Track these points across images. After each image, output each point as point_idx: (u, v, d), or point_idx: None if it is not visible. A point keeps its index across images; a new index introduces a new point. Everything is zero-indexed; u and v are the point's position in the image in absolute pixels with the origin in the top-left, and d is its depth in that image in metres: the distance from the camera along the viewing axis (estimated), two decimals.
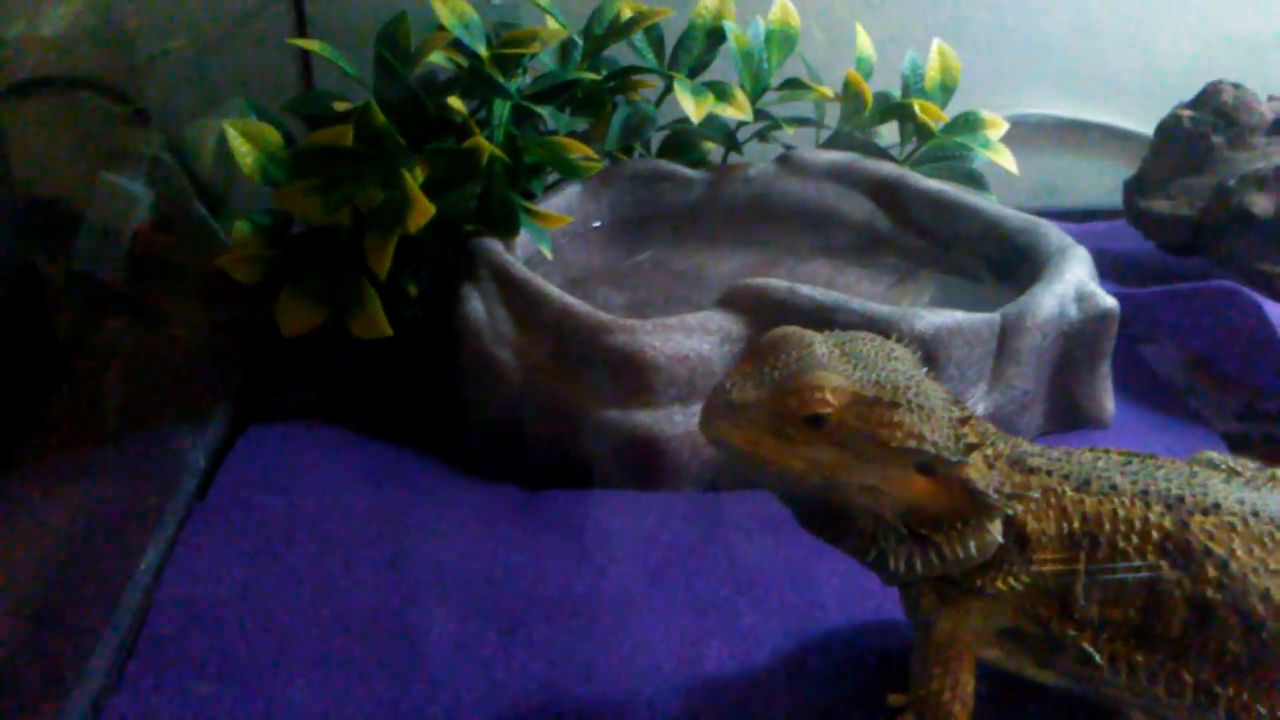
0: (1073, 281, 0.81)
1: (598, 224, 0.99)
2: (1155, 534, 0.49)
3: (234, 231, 0.84)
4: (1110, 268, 0.92)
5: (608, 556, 0.69)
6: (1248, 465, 0.56)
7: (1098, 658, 0.50)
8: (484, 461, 0.79)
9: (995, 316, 0.78)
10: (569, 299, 0.77)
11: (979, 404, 0.78)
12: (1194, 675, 0.49)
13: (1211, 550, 0.49)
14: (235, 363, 0.90)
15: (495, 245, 0.84)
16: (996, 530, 0.50)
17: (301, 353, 0.88)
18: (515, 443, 0.79)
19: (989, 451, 0.51)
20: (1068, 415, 0.83)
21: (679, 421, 0.74)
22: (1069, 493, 0.50)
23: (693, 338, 0.75)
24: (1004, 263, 0.90)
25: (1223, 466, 0.54)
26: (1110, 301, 0.81)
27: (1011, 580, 0.50)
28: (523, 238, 0.88)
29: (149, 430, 0.81)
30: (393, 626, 0.64)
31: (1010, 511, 0.50)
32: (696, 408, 0.75)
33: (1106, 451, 0.54)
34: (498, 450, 0.80)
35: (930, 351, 0.75)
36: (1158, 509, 0.50)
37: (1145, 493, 0.50)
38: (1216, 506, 0.50)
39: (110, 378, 0.87)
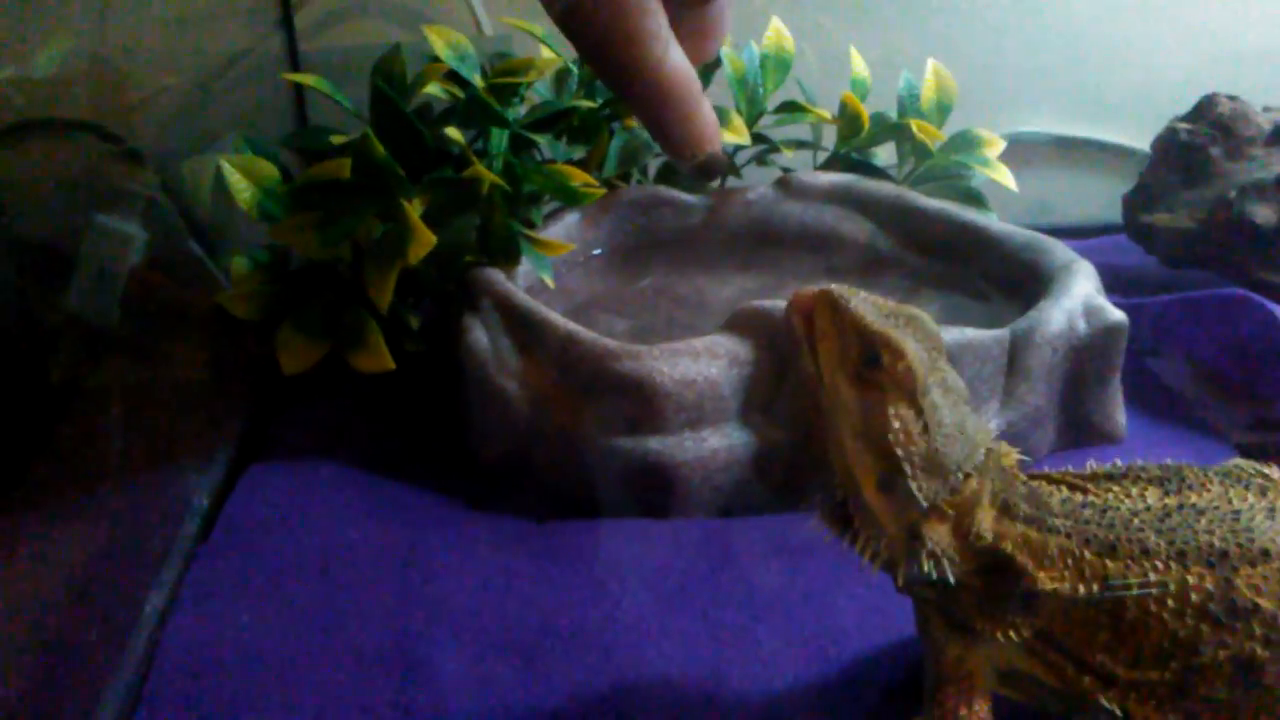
0: (1080, 296, 0.81)
1: (598, 251, 0.98)
2: (1195, 598, 0.46)
3: (232, 268, 0.84)
4: (1114, 282, 0.91)
5: (622, 586, 0.68)
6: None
7: (1120, 715, 0.48)
8: (492, 493, 0.78)
9: (1005, 333, 0.77)
10: (574, 326, 0.77)
11: (991, 421, 0.77)
12: None
13: (1259, 606, 0.46)
14: (236, 401, 0.89)
15: (497, 275, 0.84)
16: (908, 568, 0.48)
17: (303, 389, 0.87)
18: (523, 473, 0.78)
19: (979, 517, 0.49)
20: (1080, 431, 0.82)
21: (689, 447, 0.73)
22: (1089, 558, 0.48)
23: (700, 362, 0.74)
24: (1008, 280, 0.90)
25: (1252, 473, 0.52)
26: (1119, 315, 0.80)
27: (1012, 633, 0.48)
28: (523, 267, 0.87)
29: (150, 472, 0.80)
30: (405, 663, 0.62)
31: (1047, 582, 0.48)
32: (706, 433, 0.74)
33: (1144, 470, 0.52)
34: (506, 482, 0.79)
35: None
36: (1197, 569, 0.47)
37: (1183, 554, 0.47)
38: (1265, 555, 0.47)
39: (109, 420, 0.86)
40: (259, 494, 0.77)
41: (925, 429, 0.47)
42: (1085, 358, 0.80)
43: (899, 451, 0.47)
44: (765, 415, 0.76)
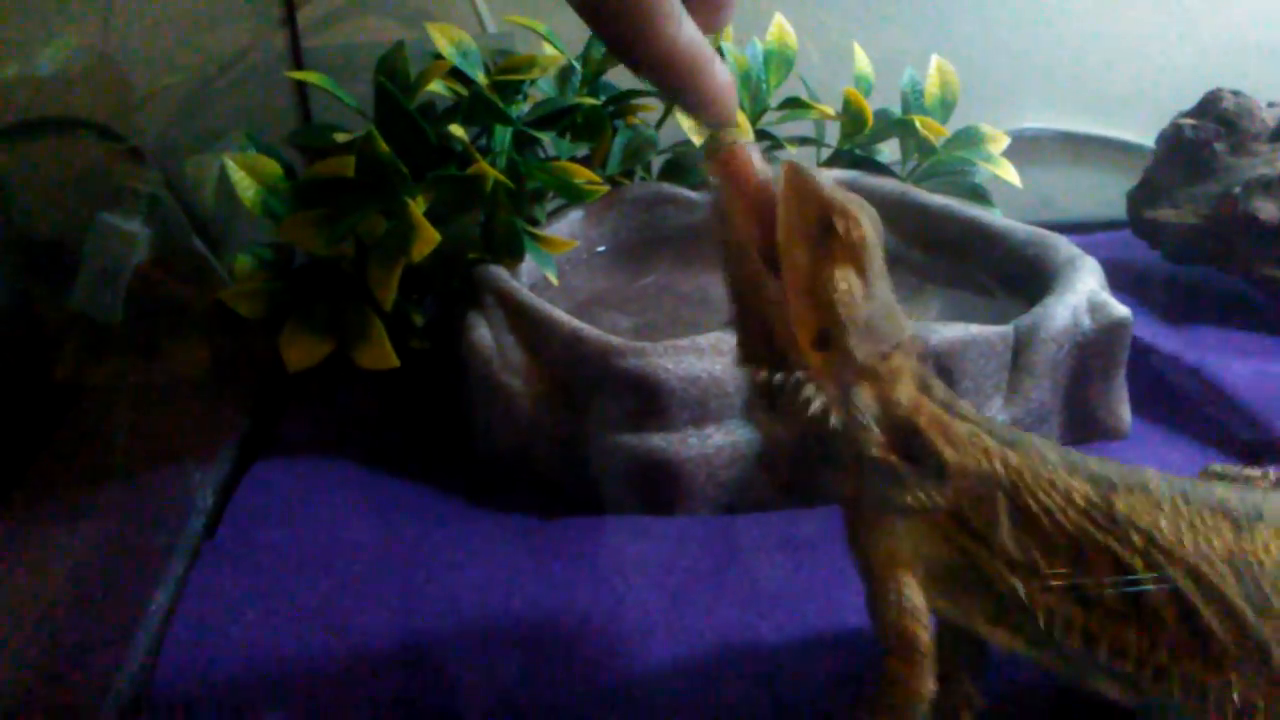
0: (1084, 292, 0.80)
1: (601, 249, 0.98)
2: (1079, 499, 0.50)
3: (236, 266, 0.83)
4: (1118, 277, 0.91)
5: (626, 583, 0.68)
6: (1268, 474, 0.55)
7: (1022, 591, 0.50)
8: (496, 490, 0.78)
9: (1008, 329, 0.77)
10: (577, 323, 0.76)
11: (998, 418, 0.77)
12: (1134, 644, 0.49)
13: (1136, 522, 0.50)
14: (240, 398, 0.89)
15: (500, 272, 0.84)
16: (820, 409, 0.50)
17: (307, 386, 0.87)
18: (527, 470, 0.78)
19: (943, 397, 0.52)
20: (1085, 427, 0.82)
21: (693, 444, 0.73)
22: (993, 443, 0.52)
23: (704, 359, 0.74)
24: (1012, 276, 0.90)
25: (1232, 476, 0.54)
26: (1123, 311, 0.80)
27: (923, 497, 0.51)
28: (527, 264, 0.87)
29: (154, 469, 0.80)
30: (410, 660, 0.62)
31: (949, 453, 0.51)
32: (709, 430, 0.74)
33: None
34: (509, 479, 0.79)
35: (945, 365, 0.74)
36: (1081, 479, 0.51)
37: (1073, 469, 0.51)
38: (1144, 486, 0.51)
39: (113, 417, 0.86)
40: (263, 491, 0.77)
41: (867, 295, 0.50)
42: (1090, 354, 0.80)
43: (841, 311, 0.50)
44: (769, 411, 0.75)
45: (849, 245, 0.50)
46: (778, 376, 0.51)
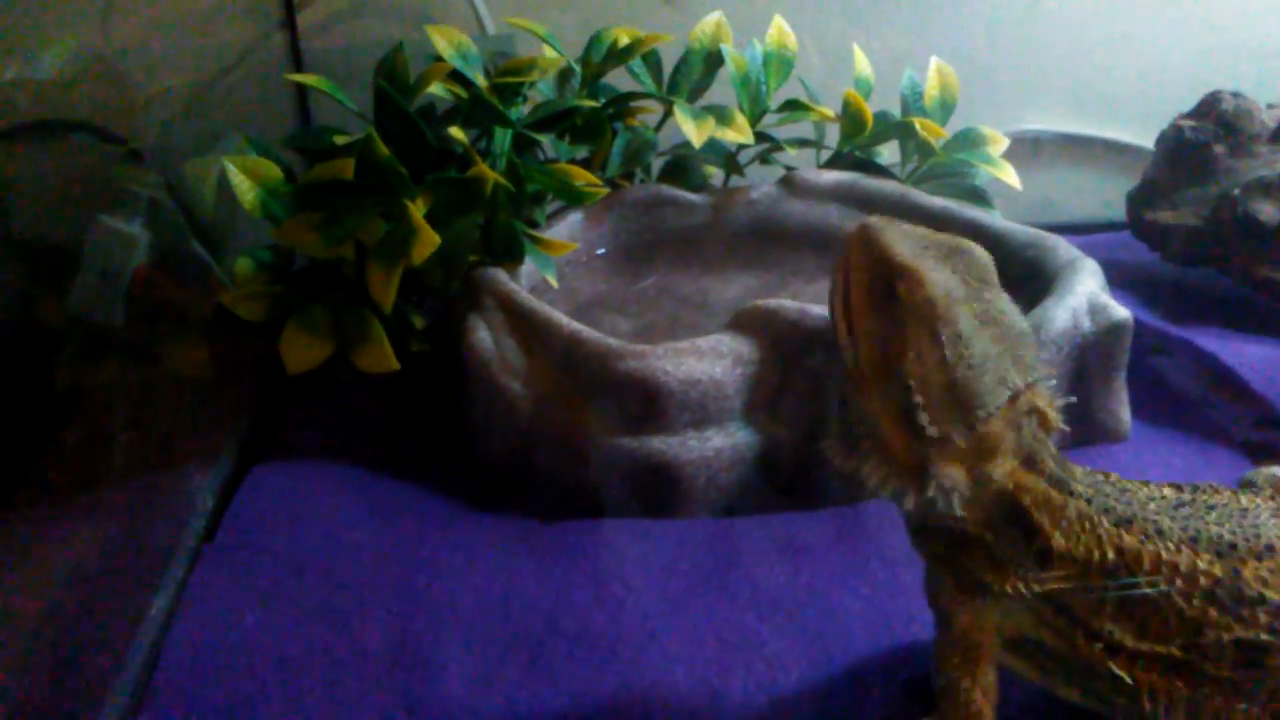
0: (1084, 294, 0.80)
1: (601, 251, 0.98)
2: (1203, 581, 0.47)
3: (236, 269, 0.83)
4: (1118, 279, 0.91)
5: (626, 586, 0.68)
6: None
7: (1129, 680, 0.48)
8: (496, 493, 0.78)
9: None
10: (578, 326, 0.76)
11: None
12: (1245, 715, 0.48)
13: (1265, 597, 0.47)
14: (240, 401, 0.89)
15: (500, 275, 0.84)
16: (910, 501, 0.48)
17: (308, 389, 0.87)
18: (527, 473, 0.78)
19: (1056, 474, 0.49)
20: (1085, 429, 0.82)
21: (693, 447, 0.73)
22: (1107, 526, 0.48)
23: (705, 361, 0.74)
24: (1012, 278, 0.89)
25: (1268, 479, 0.53)
26: (1123, 313, 0.80)
27: (1020, 586, 0.48)
28: (527, 266, 0.87)
29: (155, 472, 0.80)
30: (410, 663, 0.62)
31: (1059, 538, 0.48)
32: (710, 433, 0.74)
33: (1162, 489, 0.52)
34: (509, 482, 0.79)
35: None
36: (1206, 556, 0.48)
37: (1194, 539, 0.48)
38: (1270, 550, 0.48)
39: (114, 420, 0.86)
40: (264, 494, 0.77)
41: (944, 361, 0.46)
42: (1090, 356, 0.80)
43: (912, 383, 0.46)
44: (769, 414, 0.76)
45: (916, 309, 0.47)
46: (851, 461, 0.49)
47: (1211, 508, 0.50)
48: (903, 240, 0.48)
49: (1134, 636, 0.48)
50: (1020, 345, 0.49)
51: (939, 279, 0.47)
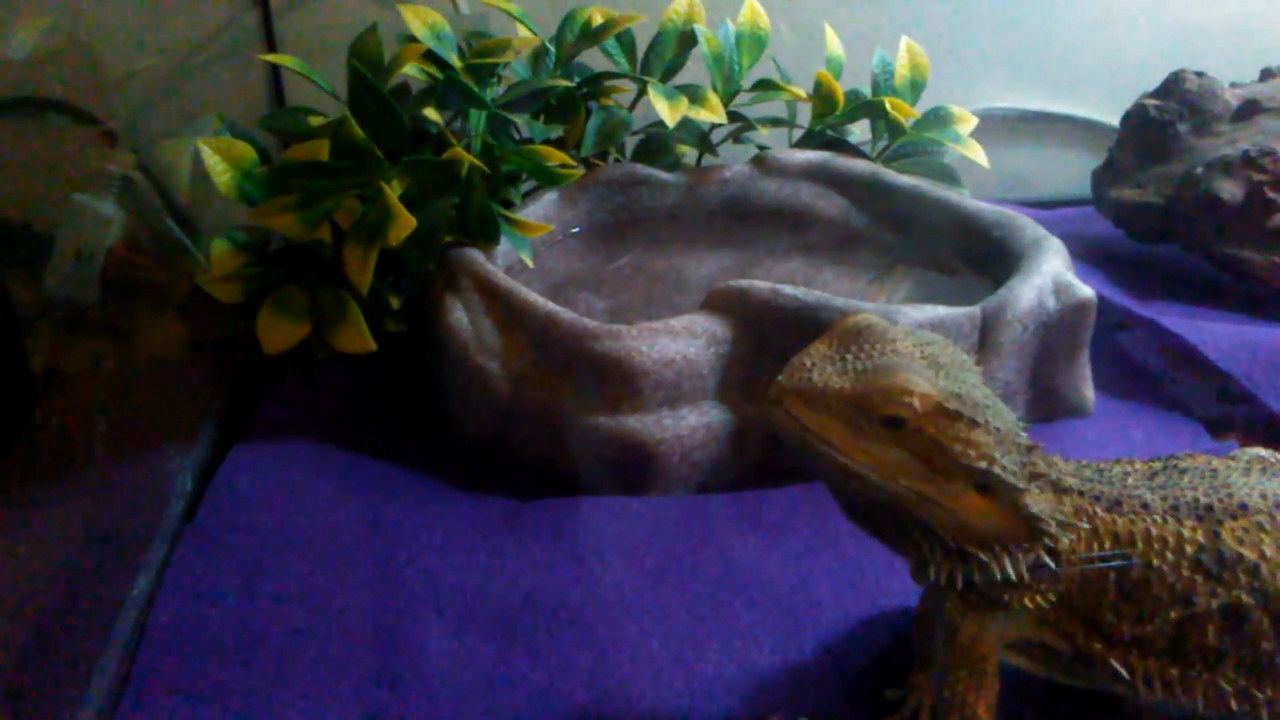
0: (1050, 273, 0.82)
1: (576, 230, 0.99)
2: (1189, 549, 0.49)
3: (212, 250, 0.83)
4: (1082, 254, 0.93)
5: (602, 563, 0.69)
6: None
7: (1126, 674, 0.50)
8: (473, 472, 0.79)
9: (976, 310, 0.78)
10: (553, 306, 0.77)
11: None
12: (1232, 683, 0.50)
13: (1243, 556, 0.49)
14: (218, 382, 0.89)
15: (476, 255, 0.84)
16: (1044, 556, 0.49)
17: (284, 370, 0.87)
18: (503, 452, 0.79)
19: (1053, 477, 0.50)
20: (1049, 405, 0.84)
21: (667, 425, 0.75)
22: (1100, 514, 0.50)
23: (678, 341, 0.75)
24: (979, 256, 0.91)
25: (1273, 461, 0.54)
26: (1087, 291, 0.82)
27: (1039, 599, 0.50)
28: (502, 246, 0.88)
29: (133, 453, 0.81)
30: (390, 641, 0.63)
31: (1064, 539, 0.50)
32: (684, 411, 0.75)
33: (1132, 462, 0.54)
34: (486, 460, 0.79)
35: None
36: (1189, 523, 0.50)
37: (1175, 508, 0.50)
38: (1244, 508, 0.50)
39: (91, 401, 0.86)
40: (243, 475, 0.77)
41: (978, 425, 0.47)
42: (1055, 334, 0.81)
43: (980, 464, 0.47)
44: (742, 393, 0.77)
45: (927, 414, 0.47)
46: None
47: (1183, 471, 0.52)
48: (839, 370, 0.49)
49: (1131, 623, 0.50)
50: (966, 367, 0.51)
51: (911, 379, 0.47)
